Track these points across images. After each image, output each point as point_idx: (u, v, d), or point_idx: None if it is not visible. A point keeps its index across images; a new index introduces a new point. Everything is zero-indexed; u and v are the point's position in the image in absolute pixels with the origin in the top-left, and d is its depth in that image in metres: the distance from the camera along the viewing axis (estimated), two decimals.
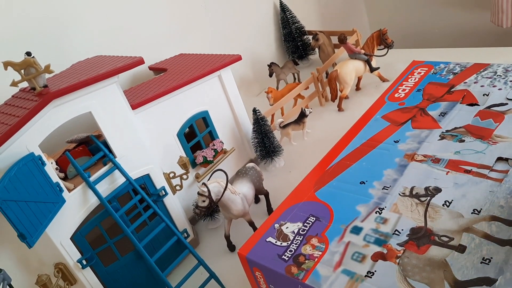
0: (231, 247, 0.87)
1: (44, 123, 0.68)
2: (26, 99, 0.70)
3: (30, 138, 0.66)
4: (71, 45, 1.00)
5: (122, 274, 0.80)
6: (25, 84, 0.69)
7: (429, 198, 0.62)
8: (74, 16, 1.00)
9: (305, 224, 0.65)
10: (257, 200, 0.98)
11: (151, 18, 1.15)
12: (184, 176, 0.89)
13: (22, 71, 0.67)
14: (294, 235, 0.64)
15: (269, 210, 0.93)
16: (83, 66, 0.82)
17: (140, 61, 0.79)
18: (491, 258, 0.51)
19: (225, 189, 0.80)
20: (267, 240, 0.65)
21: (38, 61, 0.67)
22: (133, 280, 0.81)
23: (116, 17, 1.08)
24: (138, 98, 0.85)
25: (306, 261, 0.59)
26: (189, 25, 1.25)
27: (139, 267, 0.81)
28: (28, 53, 0.68)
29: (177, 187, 0.89)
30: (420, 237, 0.57)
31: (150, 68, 1.08)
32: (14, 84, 0.67)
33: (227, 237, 0.87)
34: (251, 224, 0.86)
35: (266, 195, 0.93)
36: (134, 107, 0.82)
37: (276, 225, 0.67)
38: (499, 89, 0.78)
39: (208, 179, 0.81)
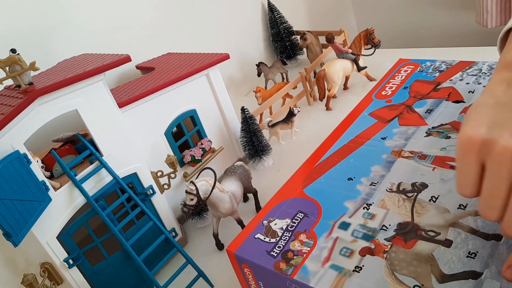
0: (220, 246, 0.87)
1: (30, 121, 0.67)
2: (11, 96, 0.69)
3: (15, 136, 0.65)
4: (58, 44, 0.99)
5: (110, 273, 0.79)
6: (9, 82, 0.69)
7: (416, 193, 0.62)
8: (60, 15, 0.99)
9: (294, 220, 0.65)
10: (245, 199, 0.98)
11: (139, 18, 1.15)
12: (172, 175, 0.88)
13: (7, 68, 0.66)
14: (282, 231, 0.64)
15: (258, 208, 0.93)
16: (69, 64, 0.81)
17: (127, 59, 0.78)
18: (477, 252, 0.51)
19: (213, 188, 0.79)
20: (256, 236, 0.65)
21: (24, 59, 0.67)
22: (121, 279, 0.81)
23: (103, 17, 1.07)
24: (125, 96, 0.84)
25: (295, 257, 0.59)
26: (177, 25, 1.25)
27: (127, 266, 0.81)
28: (13, 50, 0.67)
29: (165, 186, 0.89)
30: (407, 232, 0.57)
31: (138, 67, 1.08)
32: None
33: (216, 236, 0.87)
34: (240, 222, 0.86)
35: (255, 193, 0.93)
36: (121, 105, 0.81)
37: (265, 222, 0.67)
38: (484, 86, 0.79)
39: (196, 178, 0.81)
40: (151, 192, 0.85)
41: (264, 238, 0.64)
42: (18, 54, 0.67)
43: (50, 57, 0.91)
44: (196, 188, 0.78)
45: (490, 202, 0.44)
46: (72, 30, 1.01)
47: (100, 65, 0.74)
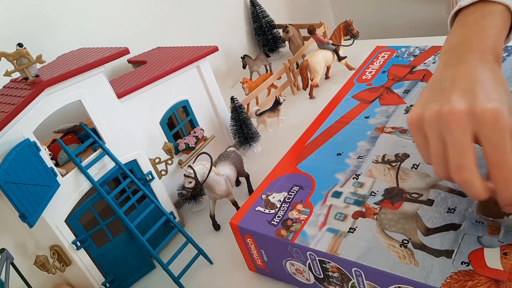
0: (216, 226, 0.92)
1: (38, 111, 0.71)
2: (19, 88, 0.73)
3: (25, 125, 0.69)
4: (48, 41, 1.01)
5: (114, 254, 0.84)
6: (13, 76, 0.72)
7: (399, 163, 0.69)
8: (51, 13, 1.02)
9: (290, 193, 0.71)
10: (237, 183, 1.03)
11: (128, 14, 1.18)
12: (169, 161, 0.93)
13: (15, 61, 0.70)
14: (280, 203, 0.70)
15: (250, 191, 0.99)
16: (70, 58, 0.85)
17: (126, 51, 0.83)
18: (455, 207, 0.58)
19: (209, 171, 0.84)
20: (256, 209, 0.71)
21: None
22: (125, 260, 0.85)
23: (93, 13, 1.10)
24: (122, 87, 0.89)
25: (294, 224, 0.65)
26: (164, 21, 1.29)
27: (130, 247, 0.85)
28: (20, 44, 0.71)
29: (163, 172, 0.93)
30: (394, 195, 0.64)
31: (129, 61, 1.12)
32: (7, 74, 0.70)
33: (212, 217, 0.92)
34: (234, 203, 0.91)
35: (247, 177, 0.99)
36: (119, 95, 0.85)
37: (263, 196, 0.73)
38: None
39: (193, 162, 0.86)
40: (150, 177, 0.89)
41: (264, 210, 0.70)
42: (24, 48, 0.71)
43: (42, 53, 0.94)
44: (194, 172, 0.83)
45: (435, 160, 0.52)
46: (63, 27, 1.04)
47: (101, 57, 0.79)
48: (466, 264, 0.51)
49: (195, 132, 1.02)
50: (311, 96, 1.25)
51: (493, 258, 0.51)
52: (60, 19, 1.04)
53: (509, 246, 0.51)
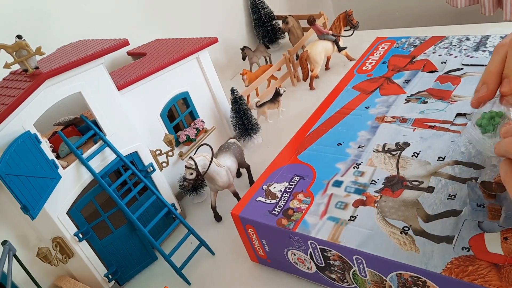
0: (218, 218, 0.93)
1: (38, 103, 0.71)
2: (19, 80, 0.73)
3: (26, 117, 0.69)
4: (47, 33, 1.01)
5: (116, 246, 0.84)
6: (12, 69, 0.72)
7: (399, 151, 0.69)
8: (50, 4, 1.02)
9: (291, 183, 0.71)
10: (238, 174, 1.03)
11: (126, 6, 1.18)
12: (170, 153, 0.93)
13: (14, 53, 0.70)
14: (281, 193, 0.70)
15: (251, 182, 0.99)
16: (69, 50, 0.85)
17: (125, 43, 0.82)
18: (456, 194, 0.59)
19: (210, 162, 0.85)
20: (257, 199, 0.71)
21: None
22: (127, 251, 0.85)
23: (93, 5, 1.10)
24: (122, 79, 0.89)
25: (295, 213, 0.65)
26: (163, 12, 1.28)
27: (132, 239, 0.85)
28: (19, 36, 0.71)
29: (164, 164, 0.93)
30: (394, 183, 0.64)
31: (129, 53, 1.12)
32: (7, 66, 0.70)
33: (214, 208, 0.92)
34: (236, 194, 0.92)
35: (248, 168, 0.99)
36: (119, 87, 0.85)
37: (264, 186, 0.73)
38: (455, 56, 0.87)
39: (194, 154, 0.86)
40: (152, 169, 0.89)
41: (265, 200, 0.70)
42: (24, 39, 0.70)
43: (42, 45, 0.94)
44: (195, 163, 0.83)
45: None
46: (62, 18, 1.04)
47: (100, 49, 0.79)
48: (467, 249, 0.51)
49: (195, 124, 1.02)
50: (311, 87, 1.25)
51: (493, 243, 0.51)
52: (60, 11, 1.04)
53: (509, 231, 0.52)
